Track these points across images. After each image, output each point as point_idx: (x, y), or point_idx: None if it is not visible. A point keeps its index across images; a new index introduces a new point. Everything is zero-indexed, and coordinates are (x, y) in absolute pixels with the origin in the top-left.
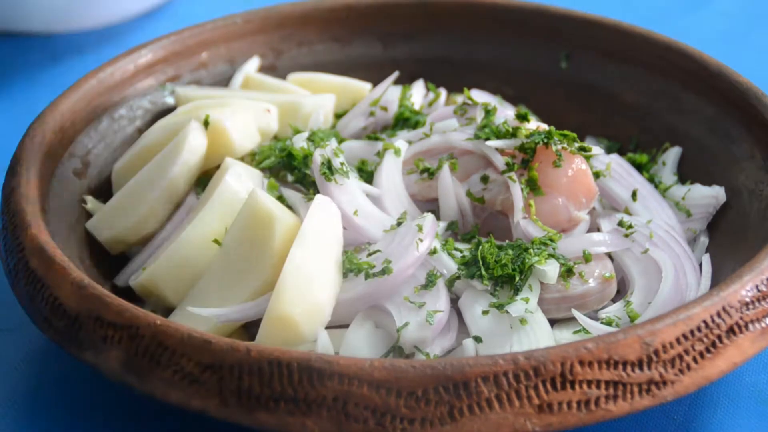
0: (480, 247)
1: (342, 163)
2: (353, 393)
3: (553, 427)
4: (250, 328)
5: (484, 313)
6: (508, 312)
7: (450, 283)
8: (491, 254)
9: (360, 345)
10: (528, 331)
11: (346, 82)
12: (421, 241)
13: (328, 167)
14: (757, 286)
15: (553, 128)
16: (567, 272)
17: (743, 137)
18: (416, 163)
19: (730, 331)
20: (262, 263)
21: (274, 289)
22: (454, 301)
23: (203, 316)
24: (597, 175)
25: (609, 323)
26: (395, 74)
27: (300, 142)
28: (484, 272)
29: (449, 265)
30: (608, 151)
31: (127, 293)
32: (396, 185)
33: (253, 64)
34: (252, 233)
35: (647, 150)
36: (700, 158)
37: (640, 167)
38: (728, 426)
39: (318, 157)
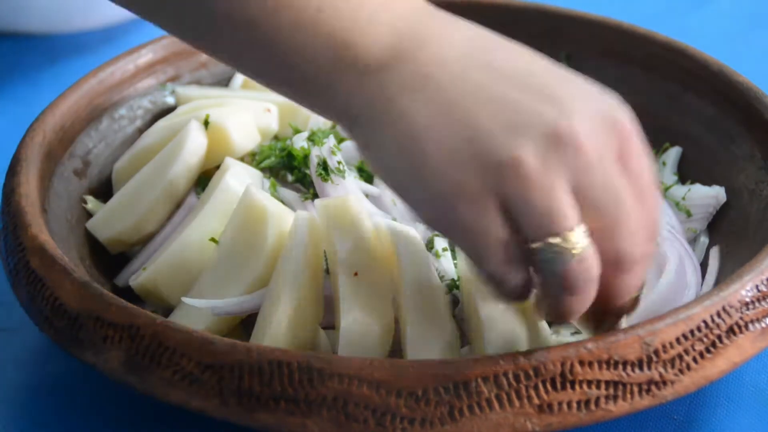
0: None
1: (339, 162)
2: (353, 393)
3: (553, 427)
4: (249, 328)
5: None
6: None
7: (450, 288)
8: None
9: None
10: None
11: None
12: None
13: (324, 167)
14: (757, 286)
15: None
16: None
17: (743, 137)
18: None
19: (730, 331)
20: (257, 258)
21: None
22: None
23: (201, 314)
24: None
25: None
26: None
27: (300, 142)
28: None
29: (449, 271)
30: None
31: (128, 293)
32: None
33: None
34: (246, 229)
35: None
36: (700, 158)
37: None
38: (728, 426)
39: (314, 157)
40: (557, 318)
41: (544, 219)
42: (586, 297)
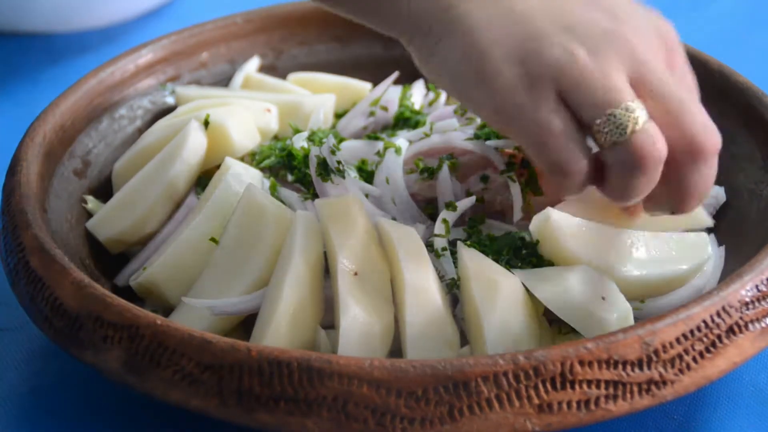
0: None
1: (339, 162)
2: (353, 393)
3: (553, 427)
4: (249, 328)
5: None
6: None
7: (450, 287)
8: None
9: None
10: None
11: (347, 82)
12: None
13: (324, 167)
14: (757, 286)
15: None
16: None
17: (743, 137)
18: (416, 163)
19: (730, 330)
20: (257, 258)
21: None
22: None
23: (201, 314)
24: None
25: None
26: (395, 74)
27: (300, 142)
28: None
29: (449, 270)
30: None
31: (127, 293)
32: (397, 184)
33: (254, 63)
34: (246, 229)
35: None
36: None
37: None
38: (728, 426)
39: (314, 157)
40: (623, 197)
41: (602, 94)
42: (651, 175)
